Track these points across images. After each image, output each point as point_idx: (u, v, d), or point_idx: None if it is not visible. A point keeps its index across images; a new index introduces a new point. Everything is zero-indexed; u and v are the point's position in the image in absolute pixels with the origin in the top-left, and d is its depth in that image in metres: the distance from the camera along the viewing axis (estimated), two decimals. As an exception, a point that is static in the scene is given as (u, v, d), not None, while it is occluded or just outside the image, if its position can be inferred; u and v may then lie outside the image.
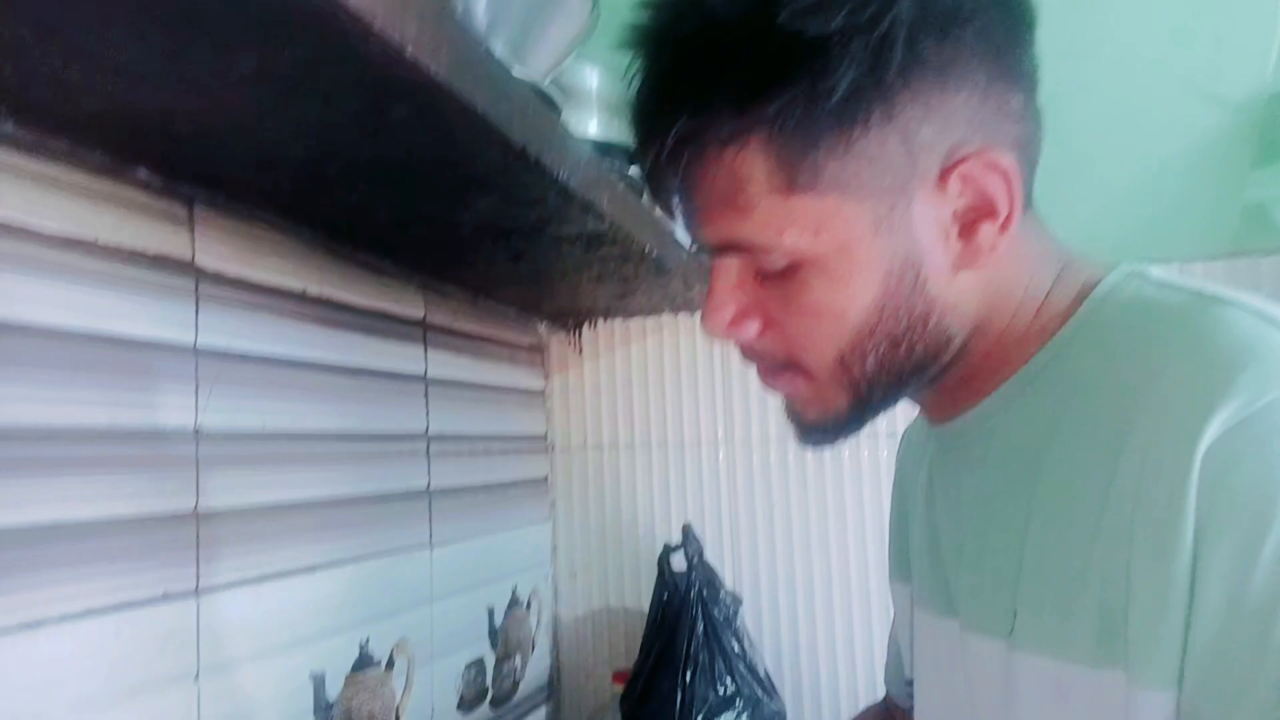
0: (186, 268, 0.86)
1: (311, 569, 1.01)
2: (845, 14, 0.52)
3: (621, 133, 1.03)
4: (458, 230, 1.01)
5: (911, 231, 0.57)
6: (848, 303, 0.58)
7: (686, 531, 1.47)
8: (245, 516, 0.92)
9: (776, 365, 0.64)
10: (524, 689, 1.55)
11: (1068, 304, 0.61)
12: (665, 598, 1.44)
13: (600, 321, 1.71)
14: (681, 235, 1.17)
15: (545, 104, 0.81)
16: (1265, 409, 0.48)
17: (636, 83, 0.59)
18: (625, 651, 1.64)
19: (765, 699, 1.40)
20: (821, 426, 0.65)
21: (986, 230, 0.58)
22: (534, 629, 1.60)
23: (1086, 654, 0.54)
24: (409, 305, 1.26)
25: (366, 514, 1.12)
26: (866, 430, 0.65)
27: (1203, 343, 0.53)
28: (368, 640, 1.11)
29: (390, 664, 1.15)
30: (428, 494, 1.27)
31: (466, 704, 1.35)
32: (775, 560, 1.61)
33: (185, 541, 0.84)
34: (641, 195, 1.05)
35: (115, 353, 0.78)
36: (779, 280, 0.60)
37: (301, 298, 1.02)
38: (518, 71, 0.77)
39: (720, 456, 1.65)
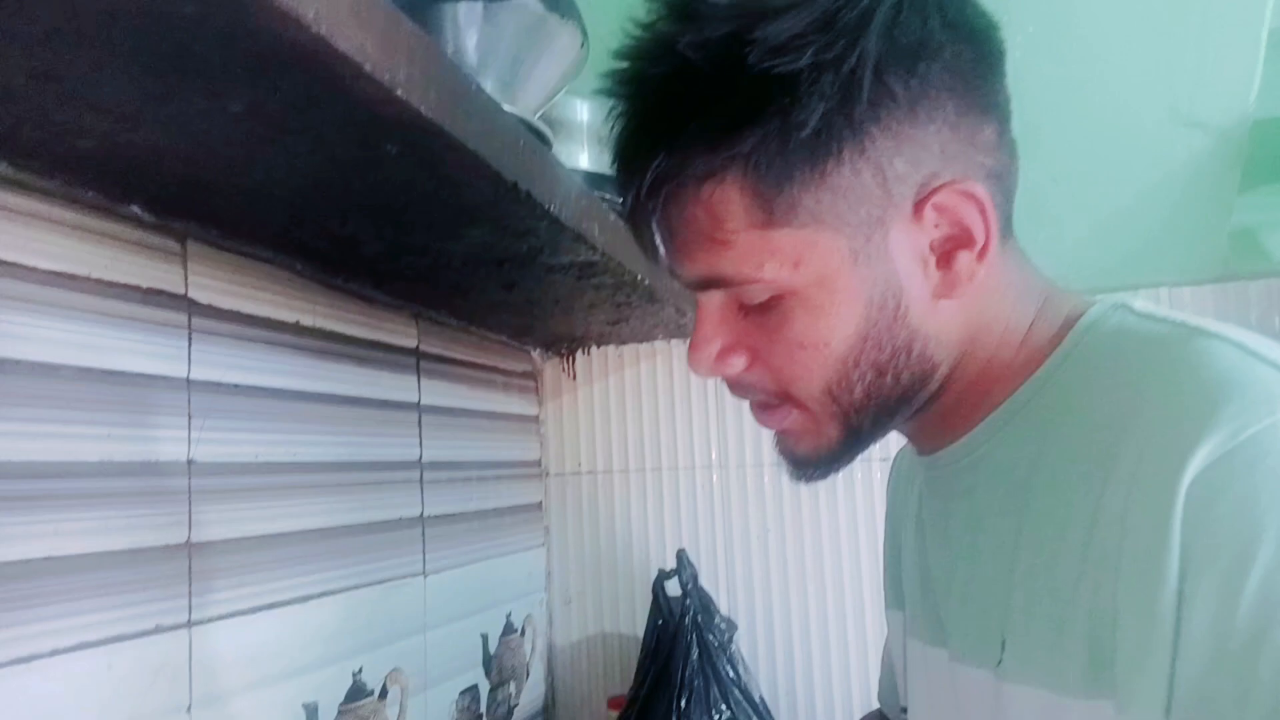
0: (179, 301, 0.86)
1: (304, 599, 1.01)
2: (813, 52, 0.53)
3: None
4: (450, 260, 1.02)
5: (890, 262, 0.58)
6: (830, 333, 0.59)
7: (681, 557, 1.47)
8: (238, 547, 0.92)
9: (769, 400, 0.64)
10: (519, 716, 1.55)
11: (1052, 335, 0.62)
12: (660, 623, 1.44)
13: (594, 348, 1.72)
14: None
15: (536, 138, 0.82)
16: (1248, 442, 0.49)
17: (617, 127, 0.61)
18: (620, 678, 1.63)
19: (760, 725, 1.40)
20: (814, 460, 0.65)
21: (964, 259, 0.59)
22: (528, 656, 1.60)
23: (1075, 684, 0.54)
24: (402, 334, 1.26)
25: (360, 543, 1.13)
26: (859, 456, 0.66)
27: (1186, 375, 0.53)
28: (361, 670, 1.10)
29: (384, 693, 1.15)
30: (421, 521, 1.27)
31: (461, 732, 1.34)
32: (770, 585, 1.61)
33: (177, 573, 0.84)
34: (632, 225, 1.05)
35: (108, 387, 0.79)
36: (762, 313, 0.61)
37: (295, 329, 1.03)
38: (508, 107, 0.78)
39: (714, 481, 1.65)
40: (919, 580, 0.74)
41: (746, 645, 1.56)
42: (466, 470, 1.42)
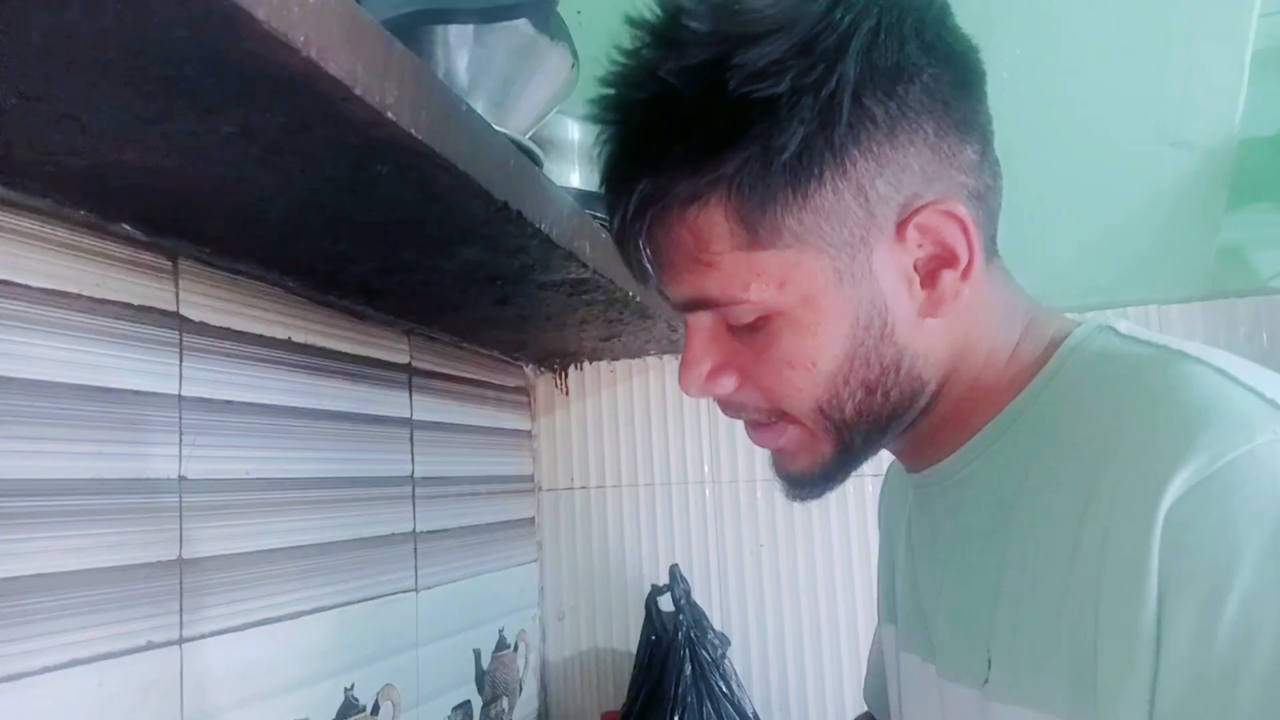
0: (171, 318, 0.87)
1: (296, 615, 1.01)
2: (792, 76, 0.54)
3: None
4: (442, 278, 1.02)
5: (875, 281, 0.59)
6: (817, 352, 0.60)
7: (674, 572, 1.47)
8: (229, 563, 0.92)
9: (763, 419, 0.65)
10: (511, 732, 1.55)
11: (1038, 356, 0.63)
12: (653, 639, 1.44)
13: (586, 363, 1.72)
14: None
15: (526, 158, 0.82)
16: (1225, 468, 0.49)
17: (604, 151, 0.62)
18: (614, 693, 1.63)
19: (752, 741, 1.40)
20: (810, 477, 0.66)
21: (948, 278, 0.59)
22: (521, 671, 1.60)
23: (1060, 704, 0.55)
24: (394, 351, 1.27)
25: (351, 559, 1.13)
26: (851, 470, 0.66)
27: (1165, 400, 0.54)
28: (353, 686, 1.10)
29: (376, 709, 1.15)
30: (413, 537, 1.27)
31: (452, 749, 1.34)
32: (763, 600, 1.61)
33: (168, 590, 0.85)
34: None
35: (99, 404, 0.79)
36: (750, 334, 0.61)
37: (286, 345, 1.03)
38: (499, 128, 0.78)
39: (707, 496, 1.66)
40: (910, 596, 0.74)
41: (739, 660, 1.56)
42: (459, 485, 1.42)
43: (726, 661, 1.45)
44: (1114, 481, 0.53)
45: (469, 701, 1.40)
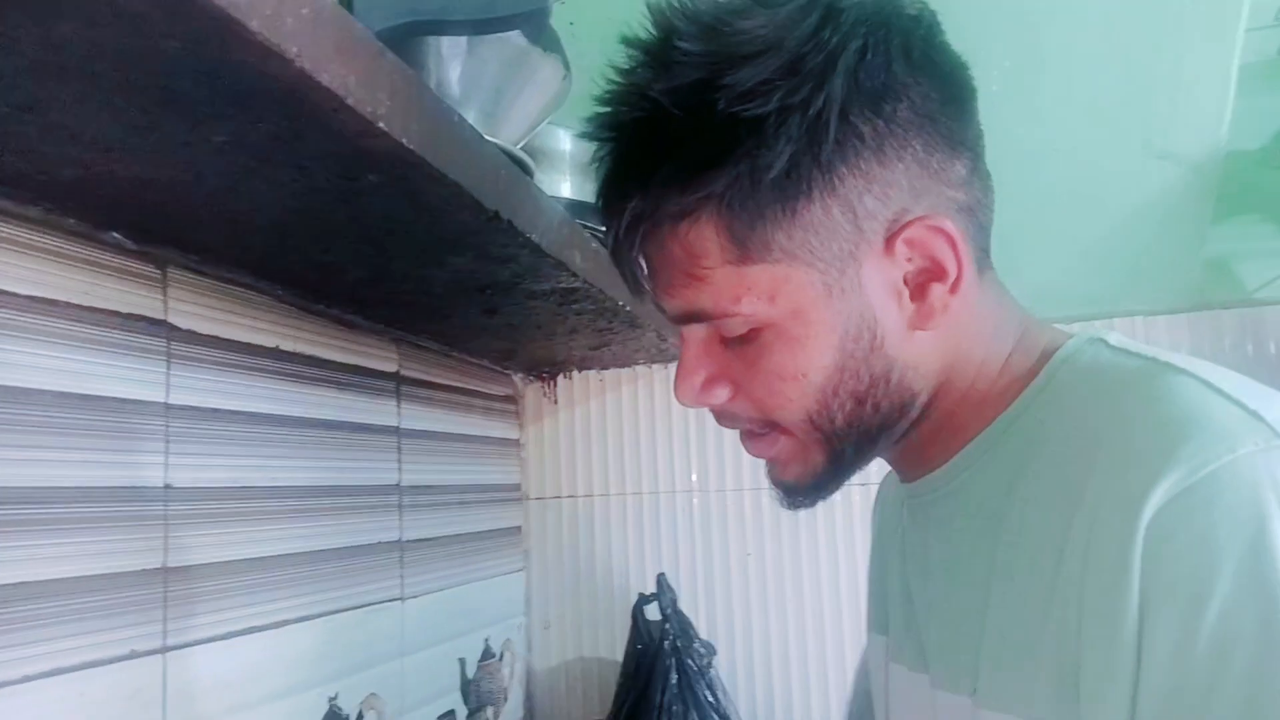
0: (159, 326, 0.87)
1: (281, 624, 1.01)
2: (779, 96, 0.55)
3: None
4: (431, 287, 1.02)
5: (864, 295, 0.59)
6: (807, 364, 0.60)
7: (660, 581, 1.47)
8: (214, 572, 0.92)
9: (756, 429, 0.66)
10: (497, 741, 1.54)
11: (1029, 367, 0.63)
12: (639, 648, 1.44)
13: (575, 372, 1.72)
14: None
15: (517, 167, 0.83)
16: (1207, 479, 0.50)
17: (600, 169, 0.62)
18: (599, 702, 1.63)
19: (739, 751, 1.40)
20: (803, 486, 0.67)
21: (937, 291, 0.60)
22: (507, 680, 1.59)
23: (1045, 712, 0.55)
24: (382, 359, 1.26)
25: (337, 567, 1.12)
26: (839, 480, 0.67)
27: (1149, 411, 0.54)
28: (337, 695, 1.10)
29: (360, 719, 1.14)
30: (399, 546, 1.27)
31: (438, 758, 1.34)
32: (749, 609, 1.61)
33: (153, 598, 0.84)
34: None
35: (86, 412, 0.79)
36: (742, 346, 0.62)
37: (274, 353, 1.03)
38: (490, 138, 0.79)
39: (695, 505, 1.66)
40: (902, 605, 0.75)
41: (726, 669, 1.56)
42: (446, 494, 1.42)
43: (712, 670, 1.45)
44: (1098, 492, 0.53)
45: (454, 711, 1.39)
